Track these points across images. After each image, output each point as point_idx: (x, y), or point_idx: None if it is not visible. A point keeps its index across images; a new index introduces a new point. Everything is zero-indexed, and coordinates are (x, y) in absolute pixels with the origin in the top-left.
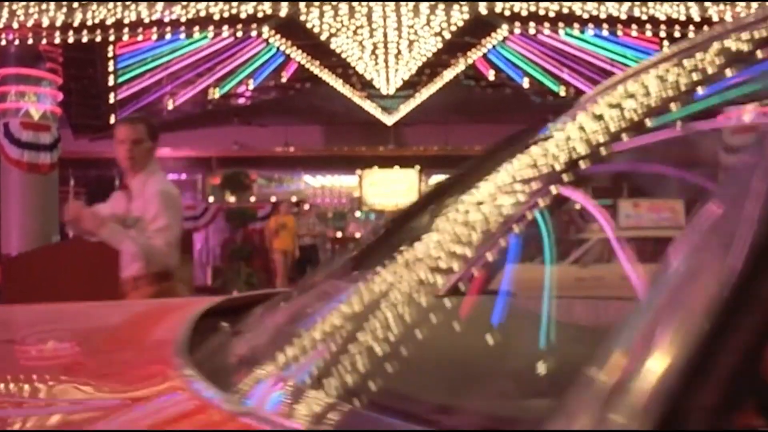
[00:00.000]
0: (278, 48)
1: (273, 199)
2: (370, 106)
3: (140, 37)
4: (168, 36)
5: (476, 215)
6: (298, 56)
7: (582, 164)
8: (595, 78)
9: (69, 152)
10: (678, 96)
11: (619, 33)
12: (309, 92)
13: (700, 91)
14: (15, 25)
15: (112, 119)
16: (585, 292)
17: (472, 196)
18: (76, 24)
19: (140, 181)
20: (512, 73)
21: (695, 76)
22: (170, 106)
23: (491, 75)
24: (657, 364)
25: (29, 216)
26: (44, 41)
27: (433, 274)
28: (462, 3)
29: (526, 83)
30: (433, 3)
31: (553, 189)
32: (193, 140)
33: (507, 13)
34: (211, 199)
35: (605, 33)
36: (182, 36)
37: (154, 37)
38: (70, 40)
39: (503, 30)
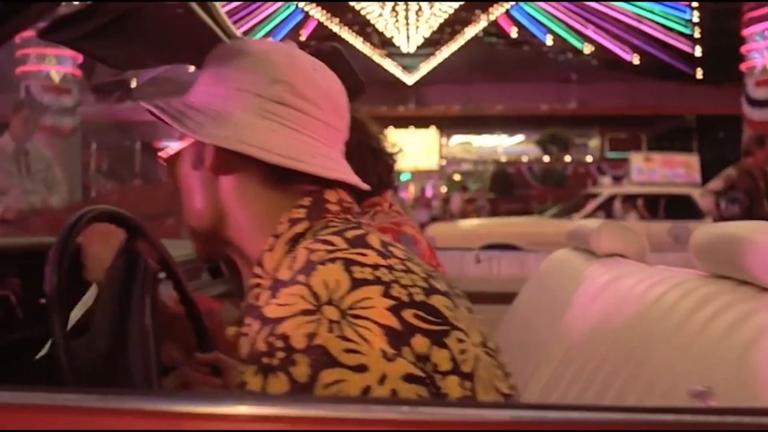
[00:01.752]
0: (297, 5)
1: None
2: (390, 65)
3: None
4: None
5: None
6: (317, 14)
7: None
8: (622, 35)
9: (91, 116)
10: None
11: None
12: None
13: None
14: None
15: (134, 83)
16: None
17: None
18: None
19: None
20: (535, 30)
21: None
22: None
23: (514, 32)
24: None
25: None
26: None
27: None
28: None
29: (549, 40)
30: None
31: None
32: None
33: None
34: None
35: None
36: None
37: None
38: None
39: None
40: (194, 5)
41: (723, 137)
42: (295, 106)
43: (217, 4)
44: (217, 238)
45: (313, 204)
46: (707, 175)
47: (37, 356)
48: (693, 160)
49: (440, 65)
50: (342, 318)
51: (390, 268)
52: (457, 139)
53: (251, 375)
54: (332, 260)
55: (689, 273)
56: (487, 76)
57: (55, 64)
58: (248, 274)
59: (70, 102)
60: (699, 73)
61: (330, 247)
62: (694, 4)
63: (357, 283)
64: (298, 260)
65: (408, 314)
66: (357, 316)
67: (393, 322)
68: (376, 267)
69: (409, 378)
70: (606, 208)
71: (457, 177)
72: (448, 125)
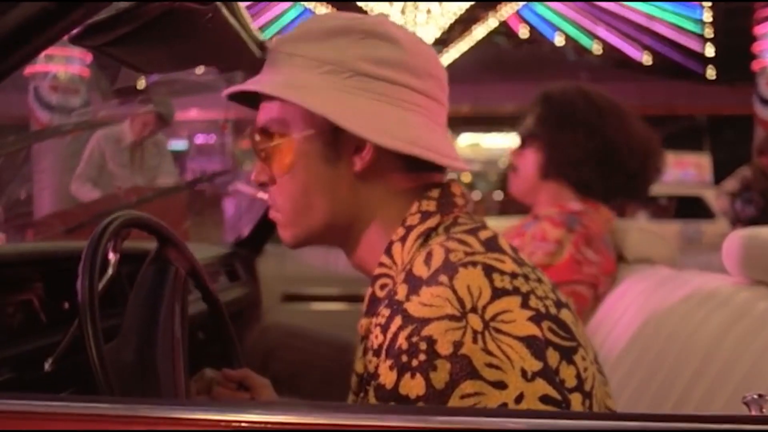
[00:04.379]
0: (305, 6)
1: None
2: None
3: None
4: None
5: None
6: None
7: None
8: (632, 34)
9: (101, 117)
10: None
11: None
12: None
13: None
14: None
15: (141, 85)
16: None
17: None
18: None
19: None
20: (545, 29)
21: None
22: (199, 70)
23: (524, 31)
24: None
25: (61, 180)
26: None
27: None
28: None
29: (559, 40)
30: None
31: None
32: (222, 102)
33: None
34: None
35: None
36: None
37: None
38: None
39: None
40: (222, 8)
41: (735, 137)
42: (422, 90)
43: (242, 5)
44: (330, 231)
45: (442, 196)
46: (719, 174)
47: (48, 363)
48: (704, 160)
49: (449, 65)
50: (485, 329)
51: (526, 277)
52: (467, 139)
53: (386, 369)
54: (473, 264)
55: (724, 279)
56: (497, 75)
57: (64, 64)
58: (360, 263)
59: (78, 102)
60: (711, 73)
61: (467, 248)
62: (707, 4)
63: (497, 293)
64: (434, 258)
65: (545, 326)
66: (499, 331)
67: (535, 330)
68: (514, 276)
69: (546, 399)
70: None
71: (466, 177)
72: (457, 125)
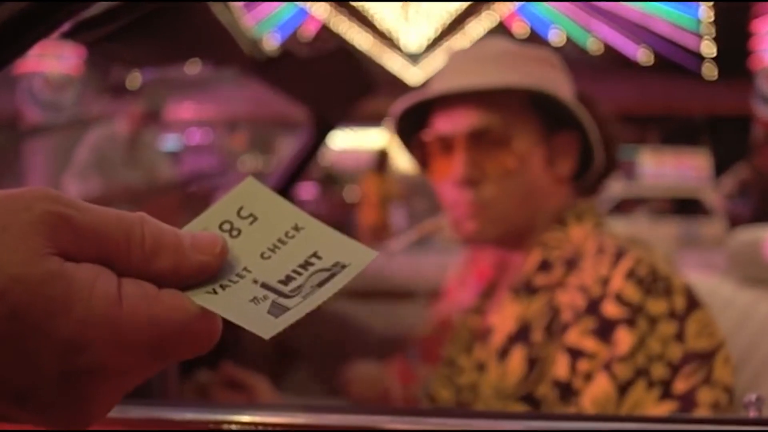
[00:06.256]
0: (297, 5)
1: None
2: (395, 65)
3: None
4: None
5: None
6: (321, 13)
7: None
8: (631, 33)
9: (93, 114)
10: None
11: None
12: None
13: None
14: None
15: (136, 83)
16: None
17: None
18: None
19: None
20: (542, 28)
21: None
22: (195, 69)
23: (521, 29)
24: None
25: (53, 178)
26: None
27: None
28: None
29: (556, 38)
30: None
31: None
32: (217, 99)
33: None
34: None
35: None
36: None
37: None
38: None
39: None
40: (215, 5)
41: (734, 135)
42: None
43: (236, 4)
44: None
45: None
46: (718, 172)
47: None
48: (703, 158)
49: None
50: None
51: None
52: None
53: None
54: None
55: (725, 279)
56: None
57: (55, 62)
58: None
59: (69, 100)
60: (710, 71)
61: None
62: (705, 2)
63: None
64: None
65: None
66: None
67: None
68: None
69: None
70: (616, 209)
71: None
72: None
